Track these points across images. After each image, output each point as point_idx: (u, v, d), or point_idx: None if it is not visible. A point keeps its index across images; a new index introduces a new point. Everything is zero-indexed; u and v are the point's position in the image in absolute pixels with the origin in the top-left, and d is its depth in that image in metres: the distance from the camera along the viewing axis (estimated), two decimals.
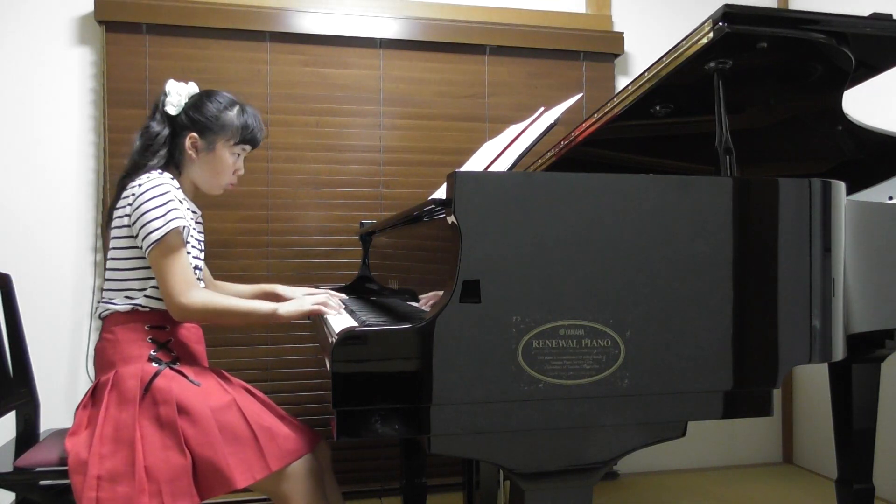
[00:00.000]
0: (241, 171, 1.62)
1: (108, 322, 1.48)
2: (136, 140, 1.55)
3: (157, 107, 1.55)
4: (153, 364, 1.42)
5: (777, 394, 2.78)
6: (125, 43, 2.35)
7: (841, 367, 1.61)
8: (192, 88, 1.57)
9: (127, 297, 1.47)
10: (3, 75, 2.30)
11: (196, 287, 1.43)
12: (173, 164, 1.55)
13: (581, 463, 1.07)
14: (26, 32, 2.32)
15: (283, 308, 1.45)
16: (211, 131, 1.54)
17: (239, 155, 1.59)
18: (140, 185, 1.44)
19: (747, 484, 2.67)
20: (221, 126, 1.54)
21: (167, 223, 1.40)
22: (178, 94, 1.54)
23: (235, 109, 1.56)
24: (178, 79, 1.58)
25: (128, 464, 1.31)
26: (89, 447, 1.33)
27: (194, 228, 1.56)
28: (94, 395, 1.44)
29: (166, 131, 1.53)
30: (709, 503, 2.46)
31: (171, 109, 1.54)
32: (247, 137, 1.57)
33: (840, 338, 1.21)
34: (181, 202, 1.47)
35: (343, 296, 1.56)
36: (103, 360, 1.47)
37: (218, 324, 1.53)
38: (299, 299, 1.52)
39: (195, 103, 1.54)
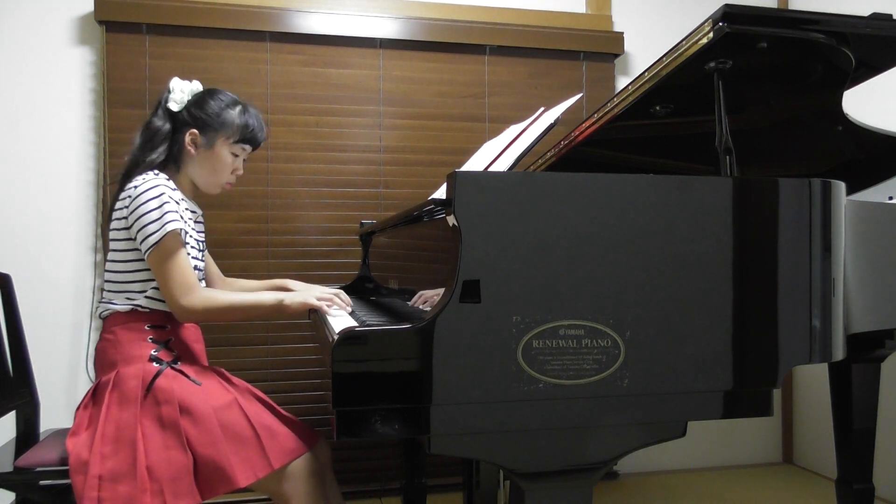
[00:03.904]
0: (240, 172, 1.62)
1: (109, 322, 1.48)
2: (136, 138, 1.55)
3: (160, 103, 1.56)
4: (154, 364, 1.43)
5: (777, 394, 2.77)
6: (125, 43, 2.35)
7: (841, 367, 1.61)
8: (196, 86, 1.58)
9: (127, 297, 1.47)
10: (2, 75, 2.30)
11: (196, 288, 1.43)
12: (172, 162, 1.56)
13: (581, 463, 1.07)
14: (26, 32, 2.32)
15: (290, 298, 1.46)
16: (211, 128, 1.54)
17: (237, 155, 1.59)
18: (136, 187, 1.43)
19: (747, 484, 2.67)
20: (222, 123, 1.54)
21: (163, 226, 1.40)
22: (181, 91, 1.55)
23: (238, 109, 1.57)
24: (182, 78, 1.59)
25: (129, 463, 1.31)
26: (90, 447, 1.33)
27: (193, 229, 1.56)
28: (94, 396, 1.44)
29: (167, 127, 1.54)
30: (709, 503, 2.47)
31: (174, 106, 1.54)
32: (247, 137, 1.57)
33: (840, 338, 1.21)
34: (177, 202, 1.47)
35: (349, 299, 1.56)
36: (104, 360, 1.47)
37: (225, 321, 1.52)
38: (305, 292, 1.52)
39: (197, 100, 1.55)
